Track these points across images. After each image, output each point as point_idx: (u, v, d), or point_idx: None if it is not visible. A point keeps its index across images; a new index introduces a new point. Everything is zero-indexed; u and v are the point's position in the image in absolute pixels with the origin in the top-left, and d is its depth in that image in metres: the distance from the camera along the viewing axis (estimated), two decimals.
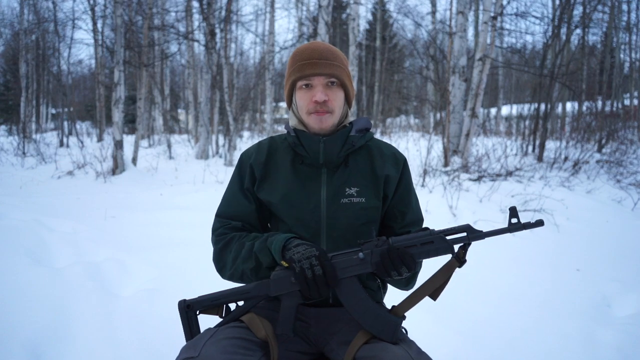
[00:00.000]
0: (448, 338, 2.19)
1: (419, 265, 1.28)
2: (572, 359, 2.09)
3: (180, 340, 1.20)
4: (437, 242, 1.08)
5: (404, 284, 1.28)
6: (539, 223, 1.07)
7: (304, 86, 1.24)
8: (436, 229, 1.13)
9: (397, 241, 1.10)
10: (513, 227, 1.07)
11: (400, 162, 1.33)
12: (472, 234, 1.08)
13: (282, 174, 1.28)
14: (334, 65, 1.23)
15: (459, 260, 1.10)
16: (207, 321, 1.24)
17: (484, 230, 1.09)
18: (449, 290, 1.14)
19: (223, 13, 9.97)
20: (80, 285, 2.45)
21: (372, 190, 1.27)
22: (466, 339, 2.21)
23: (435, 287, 1.11)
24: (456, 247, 1.12)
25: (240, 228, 1.28)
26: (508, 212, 1.08)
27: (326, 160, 1.25)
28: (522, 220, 1.07)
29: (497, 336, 2.27)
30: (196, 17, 12.47)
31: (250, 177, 1.30)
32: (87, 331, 2.06)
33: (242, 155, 1.35)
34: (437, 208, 4.85)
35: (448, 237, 1.09)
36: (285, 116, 23.52)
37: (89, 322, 2.13)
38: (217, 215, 1.33)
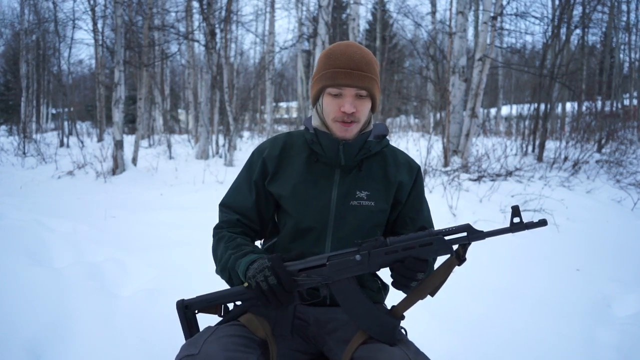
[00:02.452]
0: (446, 338, 2.19)
1: (431, 266, 1.28)
2: (571, 359, 2.10)
3: (180, 340, 1.20)
4: (436, 243, 1.06)
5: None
6: (542, 223, 1.04)
7: (333, 94, 1.23)
8: (436, 228, 1.12)
9: (395, 242, 1.08)
10: (515, 227, 1.04)
11: (414, 170, 1.35)
12: (473, 234, 1.06)
13: (295, 168, 1.29)
14: (367, 77, 1.21)
15: (459, 259, 1.08)
16: (206, 320, 1.23)
17: (485, 230, 1.06)
18: (447, 289, 1.14)
19: (223, 13, 9.97)
20: (80, 285, 2.45)
21: (382, 195, 1.28)
22: (464, 339, 2.21)
23: (434, 285, 1.10)
24: (455, 246, 1.11)
25: (234, 222, 1.29)
26: (510, 210, 1.06)
27: (345, 162, 1.26)
28: (524, 220, 1.05)
29: (496, 336, 2.26)
30: (196, 17, 12.48)
31: (261, 171, 1.31)
32: (87, 331, 2.06)
33: (256, 149, 1.36)
34: (437, 208, 4.85)
35: (448, 238, 1.07)
36: (286, 116, 23.54)
37: (89, 322, 2.13)
38: (220, 204, 1.35)
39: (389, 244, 1.08)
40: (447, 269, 1.09)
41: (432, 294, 1.12)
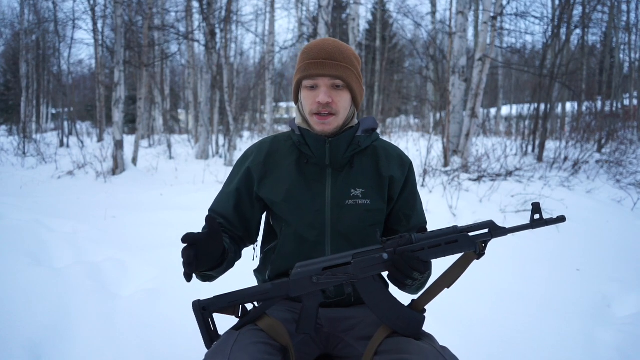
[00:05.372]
0: (447, 338, 2.19)
1: (429, 270, 1.27)
2: (571, 359, 2.10)
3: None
4: (461, 240, 1.07)
5: (416, 290, 1.26)
6: (561, 219, 1.06)
7: (309, 86, 1.22)
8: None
9: (421, 239, 1.08)
10: (535, 224, 1.06)
11: (406, 165, 1.33)
12: (495, 231, 1.07)
13: (286, 173, 1.27)
14: (340, 67, 1.20)
15: (478, 254, 1.09)
16: (222, 320, 1.22)
17: (506, 227, 1.08)
18: (447, 289, 1.14)
19: (223, 13, 9.97)
20: (80, 285, 2.45)
21: (377, 192, 1.27)
22: (465, 339, 2.21)
23: (453, 280, 1.11)
24: None
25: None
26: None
27: (332, 161, 1.25)
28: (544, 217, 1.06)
29: (496, 336, 2.27)
30: (196, 17, 12.47)
31: (245, 178, 1.30)
32: (87, 331, 2.06)
33: (243, 154, 1.36)
34: (437, 208, 4.85)
35: (471, 234, 1.08)
36: (286, 116, 23.55)
37: (89, 322, 2.13)
38: (209, 209, 1.35)
39: (414, 241, 1.08)
40: (465, 263, 1.10)
41: (449, 286, 1.12)
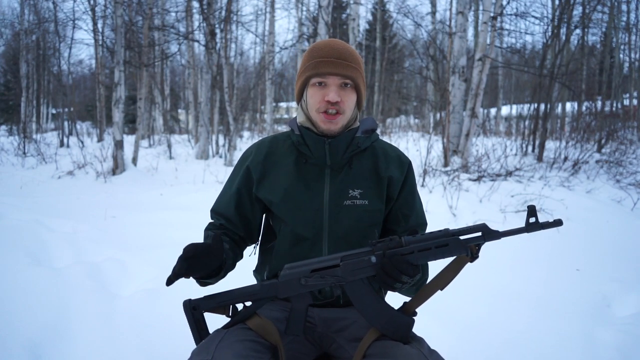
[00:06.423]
0: (446, 338, 2.19)
1: (426, 272, 1.27)
2: (571, 359, 2.10)
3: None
4: (452, 244, 1.05)
5: (413, 292, 1.25)
6: (558, 223, 1.03)
7: (317, 84, 1.22)
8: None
9: (411, 242, 1.06)
10: (530, 227, 1.02)
11: (405, 165, 1.32)
12: (488, 235, 1.04)
13: (284, 172, 1.27)
14: (350, 67, 1.21)
15: (471, 257, 1.07)
16: (214, 319, 1.22)
17: (500, 230, 1.05)
18: (447, 289, 1.14)
19: (223, 13, 9.97)
20: (80, 285, 2.46)
21: (376, 192, 1.26)
22: (464, 340, 2.21)
23: (445, 282, 1.09)
24: None
25: (218, 226, 1.32)
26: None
27: (331, 161, 1.25)
28: (539, 220, 1.03)
29: (495, 337, 2.26)
30: (196, 17, 12.46)
31: (245, 178, 1.30)
32: (87, 331, 2.06)
33: (242, 155, 1.36)
34: (437, 208, 4.85)
35: (463, 237, 1.06)
36: (286, 116, 23.53)
37: (89, 322, 2.13)
38: (210, 209, 1.37)
39: (404, 244, 1.06)
40: (458, 266, 1.09)
41: (442, 289, 1.11)
